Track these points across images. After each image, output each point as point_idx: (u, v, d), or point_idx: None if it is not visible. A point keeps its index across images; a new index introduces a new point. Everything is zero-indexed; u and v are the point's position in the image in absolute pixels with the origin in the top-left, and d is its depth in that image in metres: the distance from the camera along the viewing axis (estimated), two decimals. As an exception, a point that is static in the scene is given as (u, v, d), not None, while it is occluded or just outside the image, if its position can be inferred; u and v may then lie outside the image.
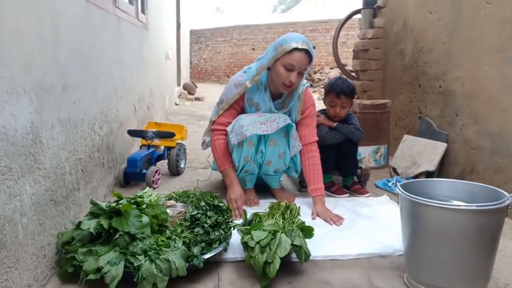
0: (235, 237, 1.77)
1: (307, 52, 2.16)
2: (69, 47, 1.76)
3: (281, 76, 2.19)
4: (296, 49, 2.14)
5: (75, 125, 1.83)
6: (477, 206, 1.37)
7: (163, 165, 3.06)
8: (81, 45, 1.95)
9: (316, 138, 2.44)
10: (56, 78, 1.61)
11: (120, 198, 1.72)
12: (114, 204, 1.62)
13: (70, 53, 1.78)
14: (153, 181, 2.64)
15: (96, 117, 2.19)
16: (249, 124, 2.20)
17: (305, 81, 2.39)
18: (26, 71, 1.34)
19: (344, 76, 2.72)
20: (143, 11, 3.93)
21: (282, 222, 1.72)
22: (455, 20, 2.77)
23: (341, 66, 5.00)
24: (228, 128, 2.27)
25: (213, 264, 1.65)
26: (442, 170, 2.85)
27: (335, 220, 2.15)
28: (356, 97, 4.23)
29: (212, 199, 1.84)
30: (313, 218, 2.19)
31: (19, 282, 1.27)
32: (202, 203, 1.80)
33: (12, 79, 1.25)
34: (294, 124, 2.31)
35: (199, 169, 3.22)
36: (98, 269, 1.43)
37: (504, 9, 2.30)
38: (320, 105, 2.66)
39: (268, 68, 2.26)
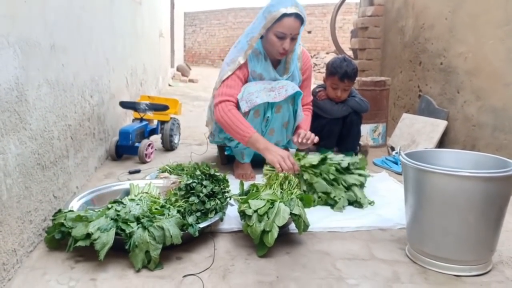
0: (231, 208, 1.71)
1: (297, 16, 2.06)
2: (57, 4, 1.66)
3: (274, 44, 2.13)
4: (285, 15, 2.05)
5: (64, 89, 1.74)
6: (485, 173, 1.31)
7: (156, 140, 2.98)
8: (71, 6, 1.85)
9: (311, 98, 2.44)
10: (44, 35, 1.51)
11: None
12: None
13: (59, 11, 1.68)
14: (146, 154, 2.56)
15: (87, 84, 2.10)
16: (259, 91, 2.13)
17: (299, 41, 2.31)
18: (10, 21, 1.25)
19: (348, 56, 2.62)
20: (136, -17, 3.80)
21: (280, 192, 1.66)
22: (459, -6, 2.69)
23: (338, 46, 4.91)
24: (238, 96, 2.16)
25: (209, 234, 1.59)
26: (441, 148, 2.79)
27: (312, 138, 2.13)
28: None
29: (207, 169, 1.77)
30: (295, 141, 2.19)
31: (3, 246, 1.20)
32: (198, 172, 1.72)
33: (-6, 28, 1.16)
34: (302, 92, 2.24)
35: (194, 145, 3.14)
36: (88, 236, 1.36)
37: (511, -20, 2.23)
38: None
39: (262, 36, 2.18)
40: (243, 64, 2.21)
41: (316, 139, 2.16)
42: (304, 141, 2.14)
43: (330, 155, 2.04)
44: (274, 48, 2.14)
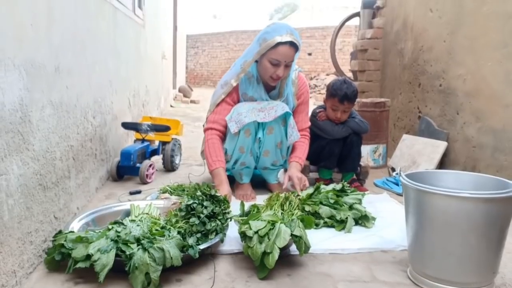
0: (232, 229, 1.71)
1: (291, 44, 2.11)
2: (63, 27, 1.70)
3: (267, 71, 2.17)
4: (280, 43, 2.09)
5: (67, 110, 1.76)
6: (486, 194, 1.31)
7: (157, 161, 2.99)
8: (76, 29, 1.89)
9: (308, 124, 2.47)
10: (49, 57, 1.54)
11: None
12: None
13: (64, 35, 1.72)
14: (147, 175, 2.57)
15: (90, 106, 2.12)
16: (248, 111, 2.17)
17: (296, 66, 2.36)
18: (16, 44, 1.27)
19: (348, 79, 2.65)
20: (140, 6, 3.88)
21: (281, 213, 1.66)
22: (456, 17, 2.74)
23: (338, 68, 4.97)
24: (227, 117, 2.22)
25: (209, 256, 1.58)
26: (442, 169, 2.80)
27: (302, 186, 2.14)
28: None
29: (208, 189, 1.77)
30: (284, 186, 2.19)
31: (3, 267, 1.19)
32: (198, 193, 1.73)
33: (1, 50, 1.18)
34: (291, 113, 2.27)
35: (194, 165, 3.15)
36: (88, 257, 1.35)
37: (507, 3, 2.27)
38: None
39: (257, 61, 2.22)
40: (234, 89, 2.28)
41: (306, 184, 2.19)
42: (296, 187, 2.17)
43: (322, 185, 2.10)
44: (267, 74, 2.18)
